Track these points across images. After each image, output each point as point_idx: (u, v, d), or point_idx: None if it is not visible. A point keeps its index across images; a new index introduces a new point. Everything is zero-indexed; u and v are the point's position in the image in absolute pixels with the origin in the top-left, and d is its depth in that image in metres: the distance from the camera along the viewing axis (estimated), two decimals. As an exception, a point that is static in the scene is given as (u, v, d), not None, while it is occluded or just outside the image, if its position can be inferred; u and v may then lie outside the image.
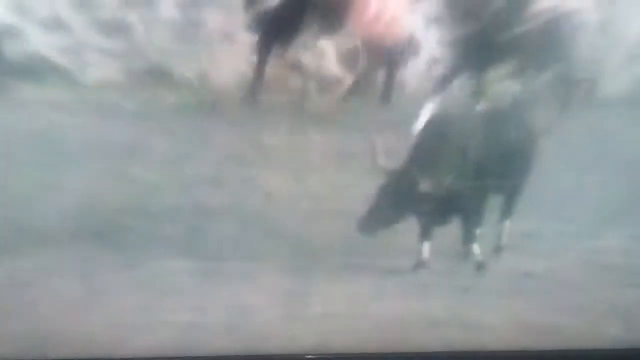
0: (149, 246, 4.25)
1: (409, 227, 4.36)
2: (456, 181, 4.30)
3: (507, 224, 4.51)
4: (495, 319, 4.45)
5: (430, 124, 4.16)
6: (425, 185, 4.23)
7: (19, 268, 4.24)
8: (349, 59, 4.44)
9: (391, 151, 4.17)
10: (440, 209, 4.44)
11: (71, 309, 4.26)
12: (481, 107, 4.32)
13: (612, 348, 4.54)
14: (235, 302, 4.38)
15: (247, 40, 4.31)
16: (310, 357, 4.41)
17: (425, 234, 4.43)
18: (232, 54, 4.44)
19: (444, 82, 4.12)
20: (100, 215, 4.34)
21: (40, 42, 4.65)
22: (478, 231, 4.53)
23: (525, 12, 4.17)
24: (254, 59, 4.34)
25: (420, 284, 4.41)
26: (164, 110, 4.38)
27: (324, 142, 4.29)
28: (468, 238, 4.53)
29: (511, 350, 4.46)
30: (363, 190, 4.19)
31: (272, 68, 4.32)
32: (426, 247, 4.47)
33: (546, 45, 4.19)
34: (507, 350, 4.46)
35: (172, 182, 4.37)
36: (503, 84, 4.17)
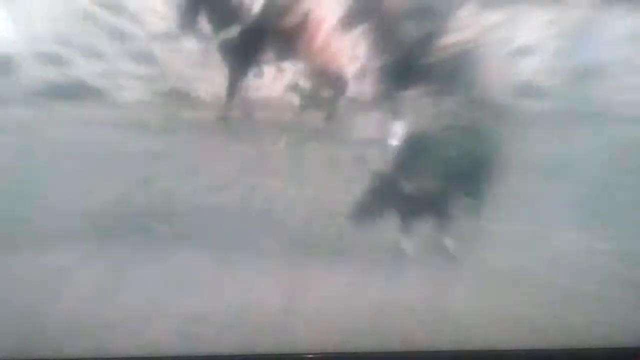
0: (170, 242, 5.01)
1: (391, 223, 5.02)
2: (432, 184, 4.99)
3: (476, 222, 5.18)
4: (463, 305, 5.18)
5: (408, 136, 4.94)
6: (407, 187, 4.96)
7: (60, 259, 5.00)
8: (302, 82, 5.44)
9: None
10: (418, 208, 5.18)
11: (98, 296, 4.99)
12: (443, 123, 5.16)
13: (580, 347, 5.13)
14: (243, 285, 5.06)
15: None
16: (310, 356, 4.76)
17: (404, 227, 5.15)
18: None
19: (382, 98, 5.01)
20: (130, 215, 5.15)
21: (81, 68, 5.64)
22: (449, 225, 5.25)
23: (435, 44, 5.11)
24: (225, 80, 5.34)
25: (399, 273, 5.06)
26: (183, 125, 5.30)
27: (314, 151, 5.14)
28: (442, 231, 5.25)
29: (508, 349, 4.97)
30: (348, 191, 4.95)
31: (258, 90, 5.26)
32: (405, 240, 5.19)
33: (454, 72, 5.11)
34: (503, 349, 4.97)
35: (189, 186, 5.24)
36: (421, 103, 5.07)
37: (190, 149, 5.39)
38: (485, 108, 5.43)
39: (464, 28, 5.75)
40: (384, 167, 4.84)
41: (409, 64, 5.74)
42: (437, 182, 5.13)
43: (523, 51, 6.23)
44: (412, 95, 5.66)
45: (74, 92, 5.79)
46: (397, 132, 5.40)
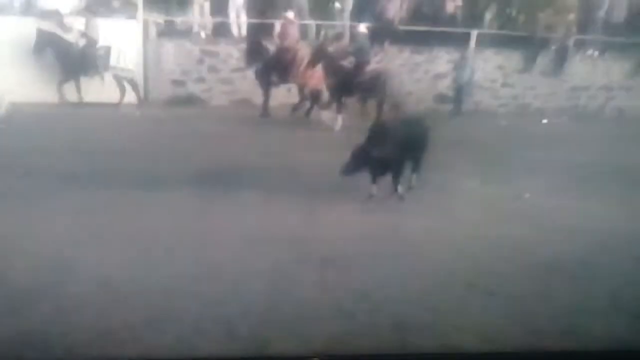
0: (238, 186, 8.69)
1: (364, 177, 8.20)
2: (391, 152, 8.09)
3: (415, 176, 8.66)
4: (405, 223, 7.78)
5: (374, 124, 8.57)
6: (375, 152, 8.02)
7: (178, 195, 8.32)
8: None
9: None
10: (381, 166, 8.19)
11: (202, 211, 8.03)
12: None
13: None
14: (279, 209, 7.93)
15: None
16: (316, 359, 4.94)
17: (373, 180, 8.27)
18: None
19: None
20: (212, 170, 9.06)
21: (193, 88, 10.90)
22: (400, 179, 8.37)
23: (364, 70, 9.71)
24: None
25: (369, 207, 8.17)
26: (248, 118, 10.06)
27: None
28: (395, 182, 8.37)
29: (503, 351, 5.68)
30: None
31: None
32: (373, 188, 8.29)
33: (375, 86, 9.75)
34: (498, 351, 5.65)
35: (249, 152, 9.48)
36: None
37: (247, 132, 9.89)
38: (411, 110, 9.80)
39: (380, 61, 10.57)
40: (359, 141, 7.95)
41: (348, 82, 11.51)
42: (394, 150, 8.08)
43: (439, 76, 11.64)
44: (351, 100, 11.43)
45: (188, 101, 11.51)
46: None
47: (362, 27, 13.26)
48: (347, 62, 12.30)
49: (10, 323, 5.07)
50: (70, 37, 13.07)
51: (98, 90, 13.13)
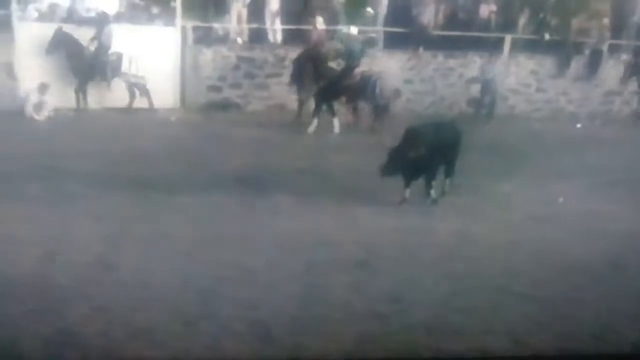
0: (268, 188, 8.82)
1: (398, 182, 8.34)
2: (424, 155, 8.20)
3: (448, 181, 8.74)
4: (439, 226, 7.93)
5: (408, 127, 8.65)
6: (411, 153, 8.11)
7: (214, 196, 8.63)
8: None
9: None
10: (415, 169, 8.30)
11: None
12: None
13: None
14: (314, 213, 8.08)
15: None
16: None
17: (406, 184, 8.39)
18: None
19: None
20: (241, 173, 9.30)
21: (229, 93, 11.11)
22: (433, 183, 8.48)
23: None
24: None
25: (403, 210, 8.34)
26: (281, 122, 10.24)
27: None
28: (429, 187, 8.47)
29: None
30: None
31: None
32: (407, 192, 8.42)
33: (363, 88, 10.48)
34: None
35: (280, 156, 9.71)
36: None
37: (282, 136, 10.10)
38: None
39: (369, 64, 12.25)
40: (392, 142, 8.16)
41: (337, 84, 12.15)
42: (428, 153, 8.16)
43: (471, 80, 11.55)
44: (340, 101, 12.17)
45: (224, 105, 11.77)
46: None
47: (353, 30, 13.57)
48: (336, 65, 12.62)
49: (49, 322, 5.22)
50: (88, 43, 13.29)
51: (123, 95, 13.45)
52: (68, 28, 13.20)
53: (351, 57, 12.62)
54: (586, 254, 7.05)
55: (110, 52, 13.23)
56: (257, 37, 14.22)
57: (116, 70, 13.21)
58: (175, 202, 8.10)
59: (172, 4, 13.73)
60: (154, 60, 13.24)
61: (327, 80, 12.29)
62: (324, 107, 12.28)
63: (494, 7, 15.04)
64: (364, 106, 12.51)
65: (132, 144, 10.60)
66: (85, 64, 13.15)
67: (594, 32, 14.99)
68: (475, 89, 14.28)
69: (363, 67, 12.67)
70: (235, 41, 14.00)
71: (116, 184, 8.59)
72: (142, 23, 13.89)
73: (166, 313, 5.43)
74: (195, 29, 13.85)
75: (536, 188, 9.18)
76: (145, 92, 13.27)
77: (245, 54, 13.63)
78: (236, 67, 13.46)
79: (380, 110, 12.40)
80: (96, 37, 13.20)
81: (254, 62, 13.39)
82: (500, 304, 5.91)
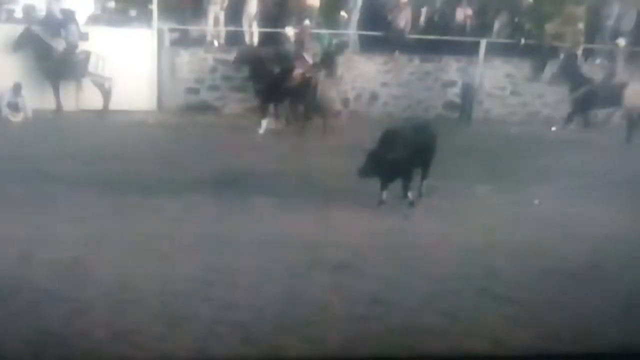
0: (251, 190, 8.95)
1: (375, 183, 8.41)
2: (401, 156, 8.24)
3: (424, 183, 8.80)
4: (416, 228, 8.00)
5: (385, 129, 8.65)
6: (388, 155, 8.14)
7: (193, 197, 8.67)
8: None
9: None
10: (392, 171, 8.35)
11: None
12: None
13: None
14: (294, 214, 8.15)
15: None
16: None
17: (383, 186, 8.43)
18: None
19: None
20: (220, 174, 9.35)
21: (206, 96, 11.02)
22: (410, 185, 8.54)
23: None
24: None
25: (380, 212, 8.39)
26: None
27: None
28: (405, 188, 8.53)
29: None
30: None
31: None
32: (384, 194, 8.47)
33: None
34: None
35: (258, 158, 9.67)
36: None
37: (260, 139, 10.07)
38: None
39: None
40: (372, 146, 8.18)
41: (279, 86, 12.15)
42: (405, 155, 8.22)
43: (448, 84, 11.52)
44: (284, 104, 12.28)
45: (201, 108, 11.57)
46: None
47: (289, 31, 13.60)
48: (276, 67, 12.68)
49: (29, 324, 5.21)
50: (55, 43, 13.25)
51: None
52: (37, 28, 13.20)
53: (288, 60, 12.80)
54: (565, 256, 7.11)
55: (77, 51, 13.21)
56: (234, 39, 14.22)
57: (83, 70, 13.16)
58: (153, 204, 8.09)
59: (150, 6, 13.68)
60: (131, 63, 13.20)
61: (265, 81, 12.36)
62: (270, 108, 12.43)
63: (469, 12, 15.15)
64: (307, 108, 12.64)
65: (109, 146, 10.52)
66: (53, 63, 13.12)
67: (569, 36, 15.13)
68: (452, 93, 14.48)
69: (304, 69, 12.72)
70: (212, 44, 14.02)
71: (94, 186, 8.57)
72: (119, 25, 13.85)
73: (147, 315, 5.42)
74: (172, 31, 13.87)
75: (513, 191, 9.23)
76: (106, 93, 13.18)
77: (223, 56, 13.64)
78: (213, 70, 13.54)
79: (322, 112, 12.57)
80: (63, 36, 13.17)
81: (231, 65, 13.21)
82: (480, 306, 5.95)
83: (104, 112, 13.09)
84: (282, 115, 12.77)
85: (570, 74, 13.82)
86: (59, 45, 13.18)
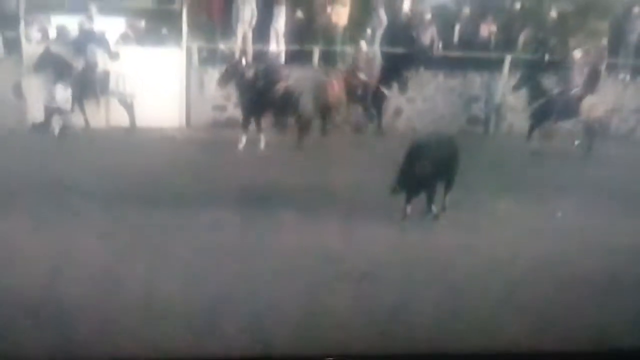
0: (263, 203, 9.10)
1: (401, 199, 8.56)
2: (428, 170, 8.39)
3: (447, 196, 9.00)
4: (442, 240, 8.21)
5: (412, 143, 8.75)
6: (418, 169, 8.27)
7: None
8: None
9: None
10: (419, 186, 8.57)
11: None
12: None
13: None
14: (319, 226, 8.31)
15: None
16: (330, 359, 5.16)
17: (408, 201, 8.62)
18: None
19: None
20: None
21: (233, 112, 11.71)
22: (434, 198, 8.76)
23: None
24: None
25: (405, 226, 8.61)
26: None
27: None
28: (430, 202, 8.75)
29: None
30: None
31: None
32: (408, 208, 8.66)
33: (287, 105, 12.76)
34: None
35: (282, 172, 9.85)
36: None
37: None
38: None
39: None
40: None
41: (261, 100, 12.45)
42: (432, 169, 8.42)
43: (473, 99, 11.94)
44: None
45: (229, 124, 12.51)
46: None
47: (273, 46, 13.89)
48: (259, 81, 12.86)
49: (57, 333, 5.47)
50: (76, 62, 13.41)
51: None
52: (57, 48, 13.40)
53: (270, 73, 12.97)
54: (586, 268, 7.28)
55: (97, 69, 13.38)
56: (261, 57, 14.33)
57: (105, 88, 13.34)
58: (178, 218, 8.29)
59: (179, 25, 13.93)
60: (160, 81, 13.43)
61: (249, 95, 12.64)
62: (252, 122, 12.63)
63: (494, 28, 15.27)
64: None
65: (141, 162, 10.73)
66: (74, 82, 13.27)
67: (592, 51, 15.20)
68: (476, 108, 14.56)
69: (289, 81, 12.91)
70: (240, 61, 13.86)
71: (126, 200, 8.79)
72: (149, 44, 14.03)
73: (172, 328, 5.64)
74: (200, 49, 14.17)
75: (535, 204, 9.37)
76: (129, 110, 13.37)
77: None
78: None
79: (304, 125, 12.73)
80: (83, 55, 13.37)
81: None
82: (501, 317, 6.12)
83: (131, 128, 13.27)
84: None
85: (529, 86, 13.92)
86: (79, 64, 13.34)
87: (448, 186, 8.99)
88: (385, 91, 13.88)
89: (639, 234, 8.26)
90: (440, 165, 8.66)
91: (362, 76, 13.82)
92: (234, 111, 13.44)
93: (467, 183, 9.10)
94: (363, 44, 14.24)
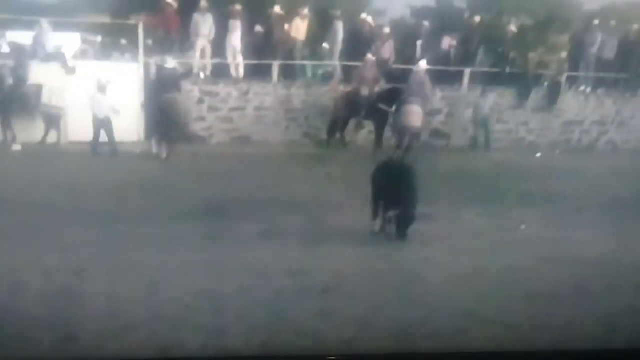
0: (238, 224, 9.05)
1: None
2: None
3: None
4: (405, 256, 8.01)
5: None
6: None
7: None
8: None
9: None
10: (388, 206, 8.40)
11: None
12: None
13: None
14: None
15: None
16: (332, 358, 5.10)
17: (375, 216, 8.43)
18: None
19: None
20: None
21: (193, 126, 10.98)
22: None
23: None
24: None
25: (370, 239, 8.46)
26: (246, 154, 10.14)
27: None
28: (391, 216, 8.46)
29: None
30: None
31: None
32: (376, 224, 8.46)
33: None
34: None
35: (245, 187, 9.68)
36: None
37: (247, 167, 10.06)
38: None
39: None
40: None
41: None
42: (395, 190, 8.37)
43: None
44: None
45: (188, 138, 11.55)
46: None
47: (169, 62, 13.47)
48: None
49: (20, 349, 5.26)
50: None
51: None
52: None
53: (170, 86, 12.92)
54: (550, 279, 7.20)
55: (28, 84, 13.15)
56: (220, 71, 14.33)
57: (36, 103, 13.08)
58: (141, 233, 8.08)
59: (137, 40, 13.72)
60: (118, 96, 13.00)
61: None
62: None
63: (454, 41, 15.30)
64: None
65: (98, 177, 10.56)
66: (4, 97, 13.06)
67: (552, 64, 15.32)
68: (437, 121, 14.50)
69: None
70: (198, 76, 14.13)
71: (83, 216, 8.57)
72: (106, 59, 13.95)
73: (135, 342, 5.46)
74: (158, 64, 13.91)
75: (500, 216, 9.29)
76: (57, 125, 13.13)
77: (209, 88, 13.80)
78: (200, 101, 13.65)
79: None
80: (13, 70, 13.14)
81: (217, 96, 13.60)
82: (467, 329, 5.98)
83: (57, 143, 13.05)
84: None
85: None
86: (9, 78, 13.09)
87: (409, 202, 8.51)
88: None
89: (601, 245, 8.25)
90: (400, 185, 8.45)
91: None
92: (194, 125, 13.18)
93: (432, 196, 8.90)
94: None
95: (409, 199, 8.46)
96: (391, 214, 8.38)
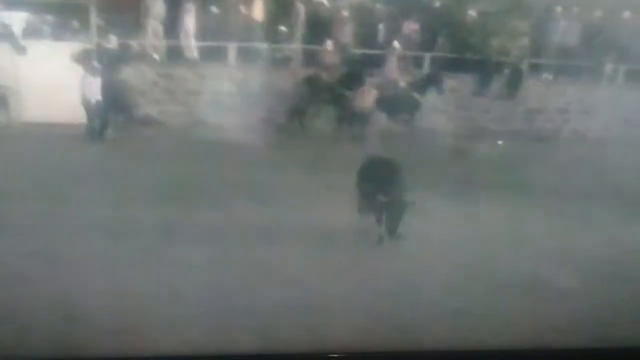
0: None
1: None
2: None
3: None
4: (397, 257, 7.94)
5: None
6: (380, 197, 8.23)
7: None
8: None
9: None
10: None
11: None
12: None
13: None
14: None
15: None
16: (334, 355, 5.11)
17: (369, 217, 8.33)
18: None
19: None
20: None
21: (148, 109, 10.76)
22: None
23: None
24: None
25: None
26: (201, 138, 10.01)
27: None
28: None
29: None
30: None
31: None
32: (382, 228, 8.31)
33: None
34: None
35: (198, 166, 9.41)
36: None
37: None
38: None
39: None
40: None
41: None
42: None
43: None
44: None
45: (144, 121, 11.48)
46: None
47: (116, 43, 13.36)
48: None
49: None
50: None
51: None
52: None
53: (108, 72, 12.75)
54: (515, 270, 7.30)
55: None
56: (175, 54, 14.03)
57: None
58: (94, 219, 8.00)
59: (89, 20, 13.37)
60: (71, 77, 12.56)
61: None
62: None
63: (415, 26, 15.13)
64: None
65: (49, 160, 10.36)
66: None
67: (514, 51, 15.23)
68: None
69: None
70: (152, 57, 13.78)
71: (32, 200, 8.50)
72: (58, 39, 13.42)
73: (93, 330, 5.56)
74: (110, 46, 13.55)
75: (463, 206, 9.19)
76: (4, 104, 12.80)
77: (164, 70, 13.54)
78: (155, 84, 13.36)
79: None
80: None
81: (172, 79, 13.38)
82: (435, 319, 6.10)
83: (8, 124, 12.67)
84: None
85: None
86: None
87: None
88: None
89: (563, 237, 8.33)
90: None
91: None
92: (149, 108, 13.07)
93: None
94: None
95: (396, 194, 8.45)
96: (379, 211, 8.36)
